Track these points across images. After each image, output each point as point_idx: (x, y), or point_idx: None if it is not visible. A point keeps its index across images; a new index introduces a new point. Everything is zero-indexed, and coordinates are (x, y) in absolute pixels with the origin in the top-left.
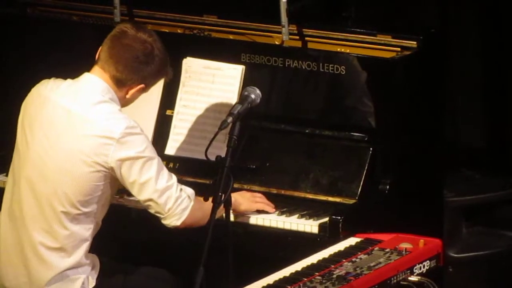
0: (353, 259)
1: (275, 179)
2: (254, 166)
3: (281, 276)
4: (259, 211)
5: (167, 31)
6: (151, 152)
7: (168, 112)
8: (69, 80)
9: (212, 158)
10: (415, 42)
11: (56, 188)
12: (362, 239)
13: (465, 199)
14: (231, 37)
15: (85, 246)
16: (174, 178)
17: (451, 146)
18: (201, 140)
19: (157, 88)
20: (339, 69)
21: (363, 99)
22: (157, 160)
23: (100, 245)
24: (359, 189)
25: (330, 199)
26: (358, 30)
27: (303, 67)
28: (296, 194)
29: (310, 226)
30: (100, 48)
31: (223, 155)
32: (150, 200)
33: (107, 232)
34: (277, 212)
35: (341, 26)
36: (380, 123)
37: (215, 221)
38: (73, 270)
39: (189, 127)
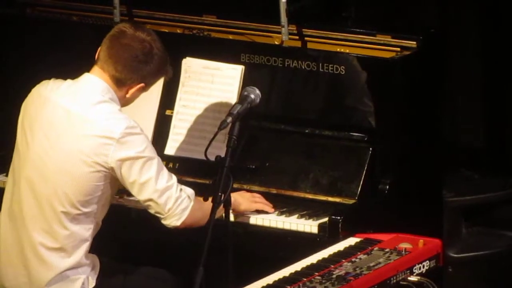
0: (353, 259)
1: (275, 179)
2: (253, 166)
3: (281, 276)
4: (259, 211)
5: (166, 31)
6: (151, 152)
7: (168, 112)
8: (69, 81)
9: (212, 158)
10: (414, 42)
11: (56, 188)
12: (362, 239)
13: (464, 199)
14: (230, 37)
15: (85, 246)
16: (174, 178)
17: (451, 146)
18: (200, 140)
19: (157, 88)
20: (339, 69)
21: (362, 99)
22: (157, 160)
23: (100, 245)
24: (359, 189)
25: (330, 199)
26: (358, 30)
27: (303, 67)
28: (296, 194)
29: (310, 226)
30: (99, 48)
31: (222, 155)
32: (150, 200)
33: (107, 232)
34: (276, 212)
35: (340, 26)
36: (380, 123)
37: (215, 221)
38: (73, 271)
39: (188, 127)
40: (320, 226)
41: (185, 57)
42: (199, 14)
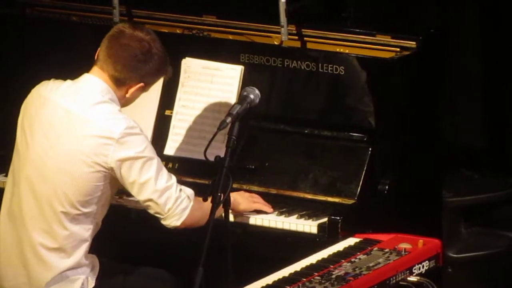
0: (352, 259)
1: (274, 179)
2: (253, 166)
3: (280, 276)
4: (258, 211)
5: (166, 31)
6: (150, 152)
7: (167, 112)
8: (68, 81)
9: (211, 158)
10: (414, 42)
11: (56, 189)
12: (361, 239)
13: (464, 199)
14: (230, 37)
15: (85, 246)
16: (173, 178)
17: (451, 146)
18: (200, 140)
19: (156, 88)
20: (338, 69)
21: (362, 99)
22: (156, 160)
23: (99, 246)
24: (358, 189)
25: (329, 199)
26: (357, 30)
27: (302, 67)
28: (295, 194)
29: (309, 226)
30: (98, 49)
31: (222, 155)
32: (150, 200)
33: (107, 232)
34: (276, 212)
35: (340, 26)
36: (380, 123)
37: (214, 221)
38: (73, 271)
39: (188, 127)
40: (320, 226)
41: (184, 57)
42: (198, 14)
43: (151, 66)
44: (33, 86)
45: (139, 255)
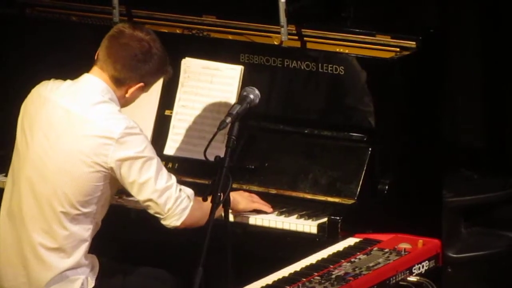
0: (352, 260)
1: (274, 179)
2: (253, 166)
3: (280, 276)
4: (258, 211)
5: (166, 31)
6: (150, 152)
7: (167, 112)
8: (68, 81)
9: (211, 158)
10: (414, 42)
11: (56, 189)
12: (361, 239)
13: (464, 199)
14: (230, 37)
15: (85, 246)
16: (173, 178)
17: (451, 146)
18: (200, 140)
19: (156, 88)
20: (338, 69)
21: (362, 99)
22: (156, 160)
23: (99, 246)
24: (358, 189)
25: (329, 199)
26: (357, 30)
27: (302, 67)
28: (295, 194)
29: (309, 226)
30: (98, 49)
31: (222, 155)
32: (150, 200)
33: (107, 232)
34: (276, 212)
35: (340, 26)
36: (379, 123)
37: (214, 221)
38: (73, 271)
39: (187, 127)
40: (320, 226)
41: (184, 57)
42: (198, 14)
43: (151, 66)
44: (33, 86)
45: (139, 255)
